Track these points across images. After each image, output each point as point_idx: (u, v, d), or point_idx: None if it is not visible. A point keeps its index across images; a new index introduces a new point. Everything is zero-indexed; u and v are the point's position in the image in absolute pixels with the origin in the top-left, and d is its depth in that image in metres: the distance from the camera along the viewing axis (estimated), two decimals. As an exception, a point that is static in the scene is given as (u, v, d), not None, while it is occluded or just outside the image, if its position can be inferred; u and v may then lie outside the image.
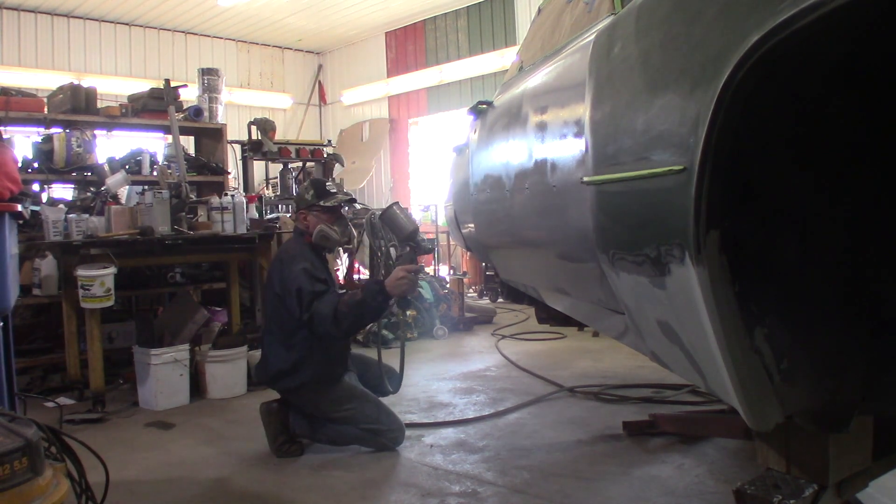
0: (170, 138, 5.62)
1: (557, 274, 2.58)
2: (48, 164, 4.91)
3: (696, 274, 1.30)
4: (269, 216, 5.99)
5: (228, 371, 4.21)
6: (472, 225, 3.42)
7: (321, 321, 3.00)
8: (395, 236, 3.68)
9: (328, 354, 3.17)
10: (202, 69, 6.74)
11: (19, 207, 2.65)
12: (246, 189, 6.20)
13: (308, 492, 2.74)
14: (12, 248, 2.66)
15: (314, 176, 6.48)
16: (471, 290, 8.19)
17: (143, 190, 4.75)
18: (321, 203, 3.27)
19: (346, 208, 4.30)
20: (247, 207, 4.66)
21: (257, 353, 3.56)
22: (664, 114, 1.39)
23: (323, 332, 3.05)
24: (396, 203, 3.37)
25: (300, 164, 6.80)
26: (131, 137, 6.24)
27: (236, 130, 8.06)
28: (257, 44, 12.20)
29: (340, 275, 6.40)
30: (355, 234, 4.12)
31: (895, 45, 1.18)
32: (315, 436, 3.21)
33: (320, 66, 13.18)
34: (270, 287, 3.26)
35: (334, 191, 3.38)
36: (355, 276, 6.44)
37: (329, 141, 8.57)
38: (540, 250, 2.66)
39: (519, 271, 3.17)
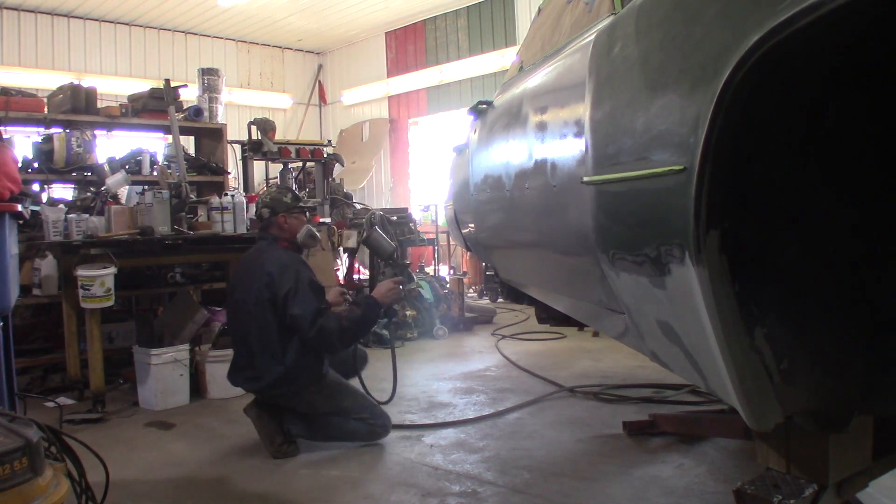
0: (170, 138, 5.62)
1: (558, 274, 2.57)
2: (48, 164, 4.91)
3: (696, 274, 1.30)
4: (269, 216, 5.97)
5: (228, 371, 4.21)
6: (472, 225, 3.42)
7: (328, 336, 3.09)
8: (378, 256, 4.03)
9: (316, 357, 3.20)
10: (202, 69, 6.73)
11: (19, 207, 2.65)
12: (246, 189, 6.19)
13: (308, 492, 2.74)
14: (12, 248, 2.66)
15: (318, 177, 6.53)
16: (471, 290, 8.20)
17: (143, 190, 4.74)
18: (300, 205, 3.42)
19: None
20: (247, 207, 4.65)
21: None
22: (664, 114, 1.39)
23: (326, 347, 3.16)
24: (375, 228, 3.45)
25: (300, 164, 6.80)
26: (131, 137, 6.24)
27: (236, 130, 8.06)
28: (257, 44, 12.21)
29: (340, 274, 6.39)
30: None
31: (895, 44, 1.18)
32: (312, 434, 3.23)
33: (320, 66, 13.19)
34: (253, 295, 3.14)
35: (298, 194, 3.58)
36: (355, 276, 6.43)
37: (329, 141, 8.57)
38: (540, 250, 2.66)
39: (519, 271, 3.16)
